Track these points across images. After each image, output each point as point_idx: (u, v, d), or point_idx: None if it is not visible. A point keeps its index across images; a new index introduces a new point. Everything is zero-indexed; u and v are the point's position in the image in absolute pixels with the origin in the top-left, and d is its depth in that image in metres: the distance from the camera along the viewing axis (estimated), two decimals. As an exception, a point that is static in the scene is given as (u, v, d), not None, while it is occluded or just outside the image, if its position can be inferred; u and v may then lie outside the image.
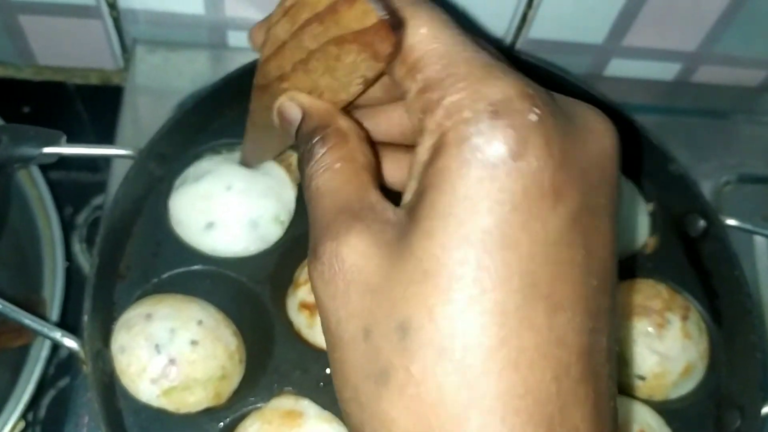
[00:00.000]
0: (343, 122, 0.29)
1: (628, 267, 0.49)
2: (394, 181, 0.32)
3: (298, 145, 0.30)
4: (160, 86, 0.62)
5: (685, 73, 0.67)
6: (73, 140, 0.72)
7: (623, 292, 0.47)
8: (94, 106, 0.70)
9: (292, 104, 0.30)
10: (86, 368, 0.39)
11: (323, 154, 0.28)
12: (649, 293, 0.47)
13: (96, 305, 0.41)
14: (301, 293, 0.45)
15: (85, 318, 0.40)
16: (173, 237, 0.46)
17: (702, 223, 0.50)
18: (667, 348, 0.45)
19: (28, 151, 0.43)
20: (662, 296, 0.47)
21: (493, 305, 0.22)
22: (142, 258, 0.45)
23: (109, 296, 0.43)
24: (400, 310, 0.23)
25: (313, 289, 0.26)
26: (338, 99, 0.30)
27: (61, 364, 0.56)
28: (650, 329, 0.45)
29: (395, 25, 0.25)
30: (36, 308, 0.57)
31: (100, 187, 0.66)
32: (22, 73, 0.67)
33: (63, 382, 0.57)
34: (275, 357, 0.44)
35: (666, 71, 0.67)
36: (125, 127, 0.59)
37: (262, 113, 0.36)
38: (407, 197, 0.26)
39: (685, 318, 0.46)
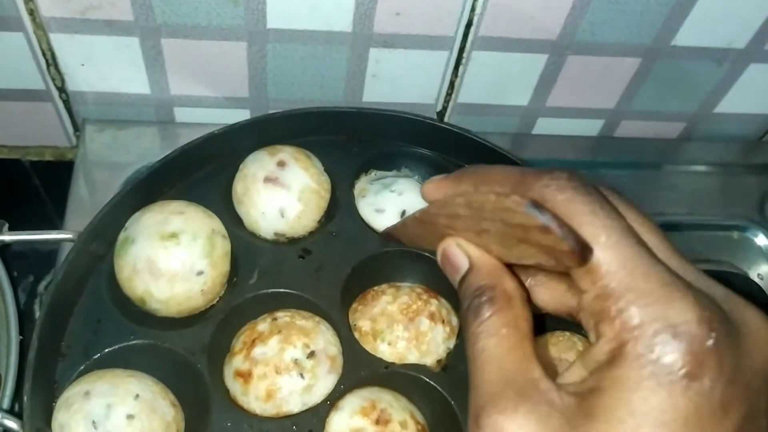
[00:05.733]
0: (509, 284, 0.30)
1: (541, 320, 0.52)
2: (543, 303, 0.34)
3: (461, 295, 0.31)
4: (110, 162, 0.65)
5: (608, 128, 0.72)
6: (29, 211, 0.75)
7: (541, 346, 0.50)
8: (49, 179, 0.74)
9: (459, 252, 0.31)
10: (27, 447, 0.42)
11: (489, 317, 0.29)
12: (564, 346, 0.49)
13: (36, 386, 0.43)
14: (237, 362, 0.48)
15: (25, 399, 0.42)
16: (113, 313, 0.49)
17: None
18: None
19: (-29, 241, 0.45)
20: (577, 347, 0.50)
21: None
22: (82, 336, 0.48)
23: (50, 375, 0.46)
24: None
25: None
26: (504, 260, 0.31)
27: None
28: (566, 381, 0.48)
29: (583, 255, 0.27)
30: (-9, 383, 0.59)
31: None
32: (-22, 152, 0.70)
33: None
34: (212, 424, 0.46)
35: (590, 127, 0.72)
36: (75, 203, 0.63)
37: (416, 236, 0.36)
38: (571, 378, 0.28)
39: (599, 368, 0.49)
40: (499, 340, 0.29)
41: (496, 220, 0.29)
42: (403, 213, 0.52)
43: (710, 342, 0.25)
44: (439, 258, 0.33)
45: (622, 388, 0.26)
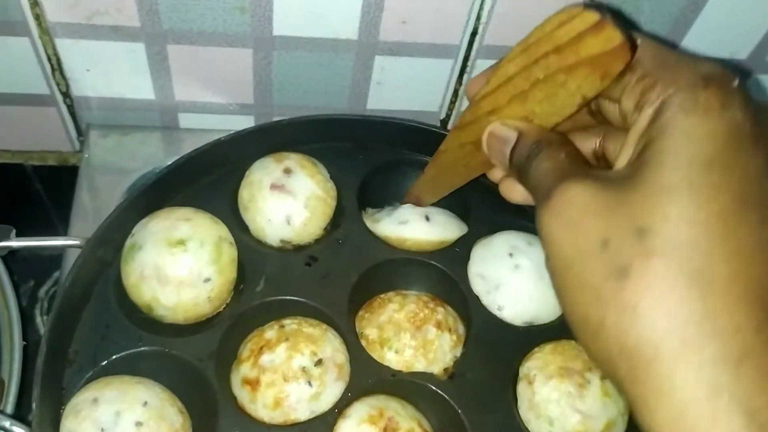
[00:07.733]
0: (555, 136, 0.37)
1: (552, 329, 0.52)
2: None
3: (514, 159, 0.37)
4: (114, 168, 0.65)
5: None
6: (31, 216, 0.75)
7: (546, 353, 0.50)
8: (52, 184, 0.74)
9: (505, 128, 0.38)
10: (35, 454, 0.42)
11: (543, 152, 0.36)
12: (570, 354, 0.50)
13: (45, 393, 0.43)
14: (244, 369, 0.48)
15: (34, 406, 0.42)
16: (121, 320, 0.49)
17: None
18: (588, 407, 0.48)
19: (-21, 247, 0.45)
20: (582, 357, 0.50)
21: (717, 210, 0.29)
22: (90, 342, 0.48)
23: (58, 382, 0.46)
24: (639, 218, 0.30)
25: (543, 230, 0.33)
26: (547, 123, 0.37)
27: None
28: (572, 389, 0.48)
29: (632, 46, 0.31)
30: (-6, 388, 0.59)
31: (61, 260, 0.69)
32: (-20, 156, 0.70)
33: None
34: (220, 431, 0.47)
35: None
36: (80, 208, 0.62)
37: (455, 151, 0.44)
38: (621, 163, 0.33)
39: (604, 377, 0.49)
40: (554, 161, 0.35)
41: (549, 54, 0.33)
42: (427, 216, 0.53)
43: (735, 83, 0.31)
44: (484, 143, 0.39)
45: (670, 125, 0.30)
